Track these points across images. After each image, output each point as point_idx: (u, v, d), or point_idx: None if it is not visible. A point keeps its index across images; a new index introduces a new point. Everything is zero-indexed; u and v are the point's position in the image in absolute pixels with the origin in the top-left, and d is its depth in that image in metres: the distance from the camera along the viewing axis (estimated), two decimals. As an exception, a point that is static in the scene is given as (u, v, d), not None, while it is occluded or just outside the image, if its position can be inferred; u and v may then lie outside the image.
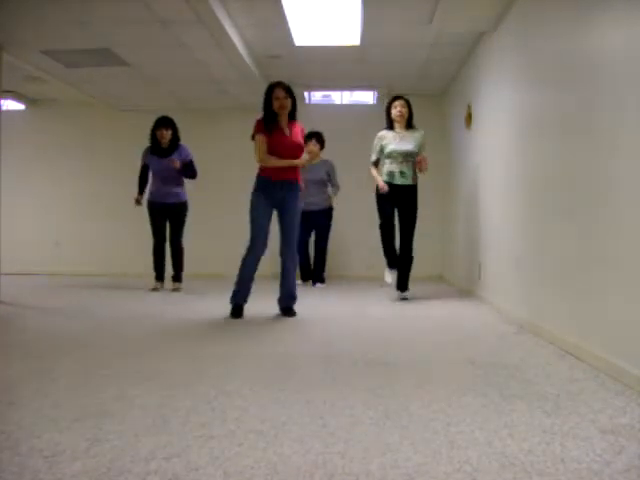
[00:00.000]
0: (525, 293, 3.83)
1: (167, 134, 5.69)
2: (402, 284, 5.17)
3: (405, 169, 5.04)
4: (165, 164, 5.67)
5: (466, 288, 5.78)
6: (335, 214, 6.63)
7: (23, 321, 4.03)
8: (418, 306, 4.83)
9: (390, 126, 5.13)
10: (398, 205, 5.11)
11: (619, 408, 2.00)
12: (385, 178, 5.07)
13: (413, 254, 5.17)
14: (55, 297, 5.44)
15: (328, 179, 6.41)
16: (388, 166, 5.08)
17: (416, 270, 7.49)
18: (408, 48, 5.74)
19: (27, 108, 8.06)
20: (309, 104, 7.67)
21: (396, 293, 5.17)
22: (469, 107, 5.69)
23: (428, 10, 4.64)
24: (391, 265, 5.20)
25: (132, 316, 4.15)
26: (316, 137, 6.28)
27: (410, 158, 5.04)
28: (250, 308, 4.15)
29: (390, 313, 4.44)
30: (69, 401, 2.06)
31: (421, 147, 5.08)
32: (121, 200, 7.87)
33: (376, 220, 5.20)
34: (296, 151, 4.13)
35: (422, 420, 1.86)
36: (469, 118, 5.67)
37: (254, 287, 4.16)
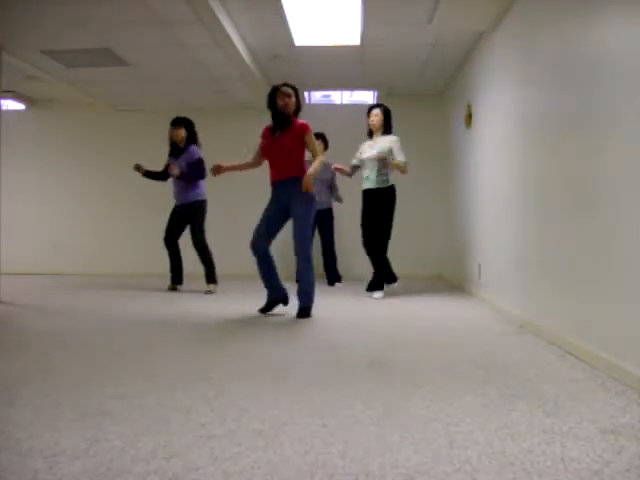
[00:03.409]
0: (525, 293, 3.82)
1: (178, 133, 5.68)
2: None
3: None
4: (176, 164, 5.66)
5: (466, 288, 5.78)
6: (338, 214, 6.69)
7: (23, 321, 4.02)
8: (418, 306, 4.83)
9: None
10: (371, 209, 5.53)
11: (619, 408, 2.00)
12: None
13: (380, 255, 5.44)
14: (55, 297, 5.44)
15: (332, 180, 6.51)
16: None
17: (416, 270, 7.59)
18: (408, 48, 5.74)
19: (27, 108, 8.07)
20: (309, 104, 7.66)
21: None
22: (469, 107, 5.69)
23: (428, 10, 4.64)
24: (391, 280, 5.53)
25: (132, 316, 4.15)
26: (322, 138, 6.41)
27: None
28: (250, 309, 4.15)
29: (390, 313, 4.44)
30: (69, 401, 2.06)
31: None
32: (121, 200, 7.90)
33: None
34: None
35: (422, 420, 1.86)
36: (469, 118, 5.67)
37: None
